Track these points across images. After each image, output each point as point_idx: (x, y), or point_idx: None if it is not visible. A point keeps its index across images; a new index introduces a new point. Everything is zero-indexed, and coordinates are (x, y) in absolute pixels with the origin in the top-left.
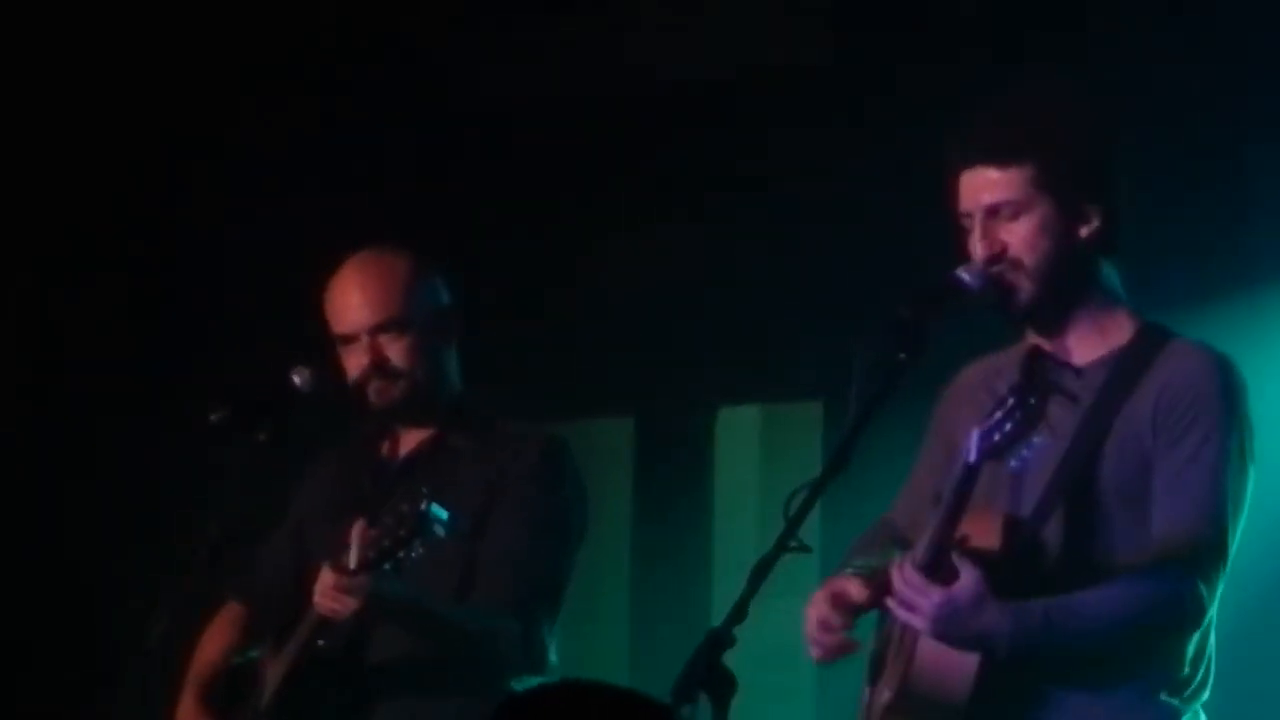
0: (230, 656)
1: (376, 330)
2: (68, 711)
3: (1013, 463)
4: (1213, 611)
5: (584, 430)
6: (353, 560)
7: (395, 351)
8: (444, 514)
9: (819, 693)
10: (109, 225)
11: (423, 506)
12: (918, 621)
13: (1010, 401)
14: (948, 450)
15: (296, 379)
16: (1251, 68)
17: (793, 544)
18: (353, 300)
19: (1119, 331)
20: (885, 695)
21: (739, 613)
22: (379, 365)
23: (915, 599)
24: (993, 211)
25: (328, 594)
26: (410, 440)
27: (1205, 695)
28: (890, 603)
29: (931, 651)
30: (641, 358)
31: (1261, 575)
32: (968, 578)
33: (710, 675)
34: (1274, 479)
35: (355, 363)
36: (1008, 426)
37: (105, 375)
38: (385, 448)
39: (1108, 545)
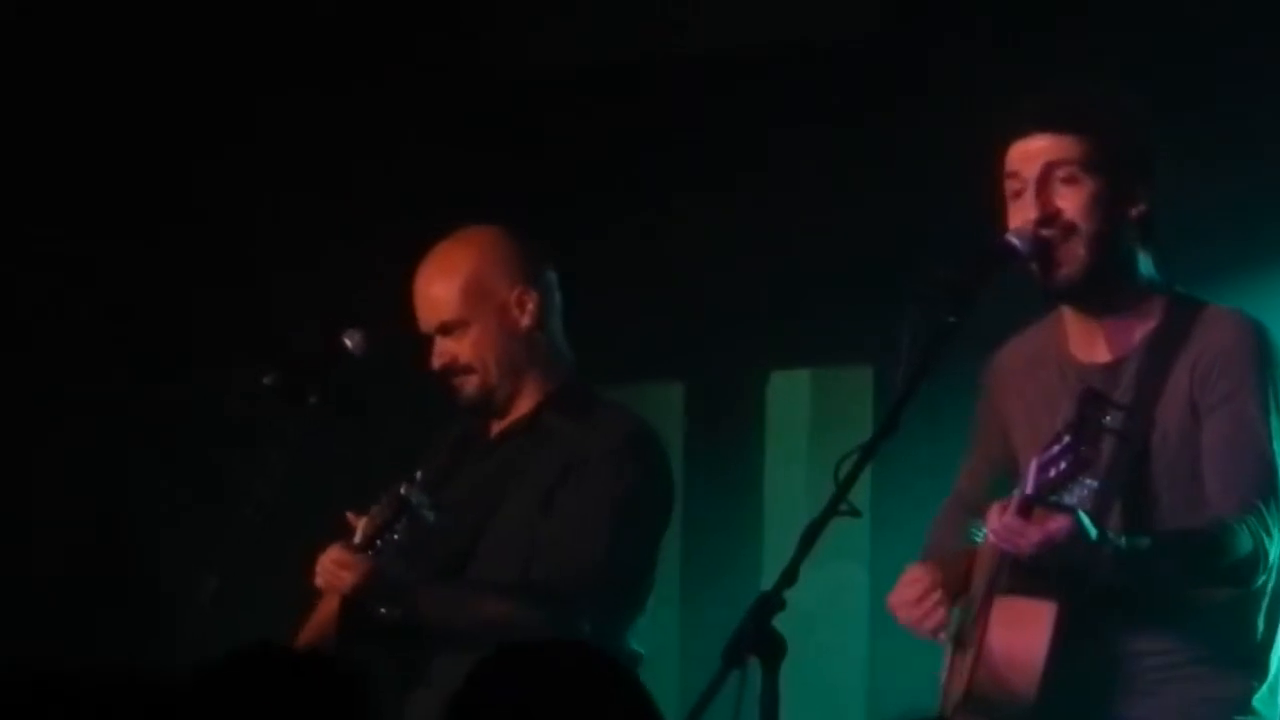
0: None
1: (440, 331)
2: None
3: (1071, 495)
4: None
5: (633, 395)
6: (357, 537)
7: (462, 349)
8: (426, 500)
9: (870, 654)
10: (164, 182)
11: (403, 491)
12: (1022, 551)
13: (1066, 440)
14: (1002, 428)
15: (348, 342)
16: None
17: (843, 508)
18: (420, 300)
19: (1150, 313)
20: (956, 693)
21: (789, 576)
22: (449, 364)
23: (1014, 537)
24: (1048, 173)
25: (327, 567)
26: (509, 417)
27: (1273, 669)
28: (989, 539)
29: (1000, 642)
30: (691, 322)
31: None
32: (1063, 516)
33: (760, 638)
34: None
35: (435, 357)
36: (1062, 465)
37: (158, 335)
38: (491, 423)
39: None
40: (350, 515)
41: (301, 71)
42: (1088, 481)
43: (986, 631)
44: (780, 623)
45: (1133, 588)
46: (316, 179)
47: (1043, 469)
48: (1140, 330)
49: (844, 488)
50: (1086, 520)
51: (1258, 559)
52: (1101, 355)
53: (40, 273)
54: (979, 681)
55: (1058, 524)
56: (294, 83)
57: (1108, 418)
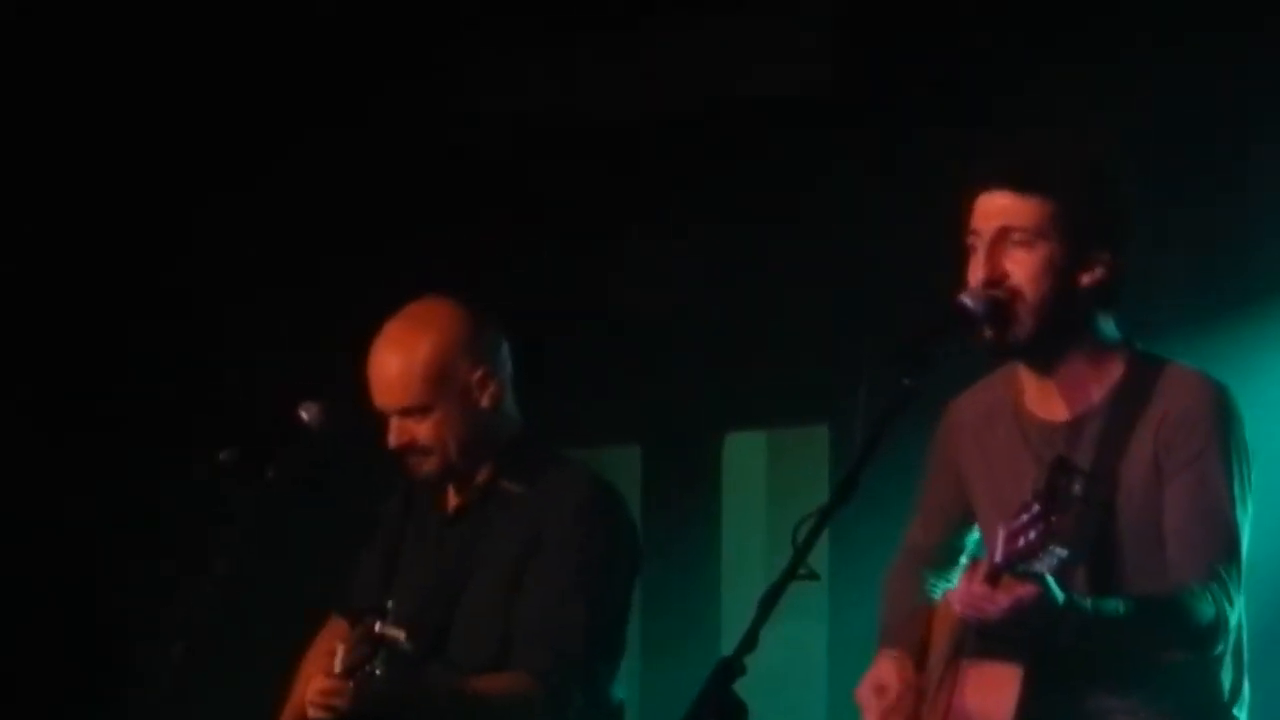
0: None
1: (401, 414)
2: None
3: (1041, 563)
4: (1238, 633)
5: (591, 459)
6: (337, 665)
7: (422, 432)
8: (400, 633)
9: (829, 713)
10: (125, 248)
11: (378, 629)
12: (990, 618)
13: (1036, 509)
14: (956, 478)
15: (305, 415)
16: (1254, 76)
17: (801, 572)
18: (378, 379)
19: (1111, 370)
20: None
21: (749, 641)
22: (408, 445)
23: (983, 604)
24: (1003, 235)
25: (315, 699)
26: (466, 485)
27: (1245, 707)
28: (956, 609)
29: (970, 708)
30: (646, 386)
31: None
32: (1030, 583)
33: (721, 705)
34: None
35: (393, 435)
36: (1031, 535)
37: (117, 404)
38: (445, 494)
39: (1130, 589)
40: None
41: (244, 147)
42: (1057, 550)
43: (954, 696)
44: (740, 686)
45: (1097, 651)
46: (273, 246)
47: (1011, 538)
48: (1100, 388)
49: (802, 551)
50: (1054, 586)
51: (1218, 625)
52: (1060, 413)
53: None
54: None
55: (1026, 591)
56: (242, 158)
57: (1076, 486)
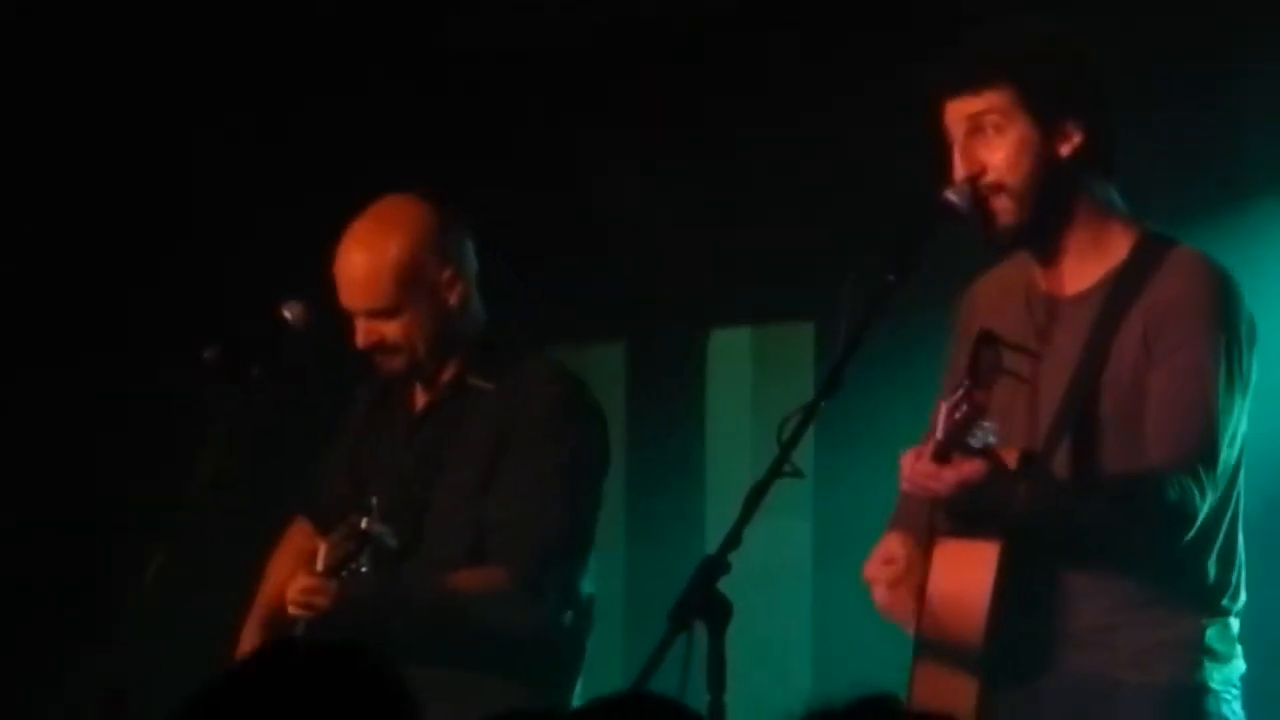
0: None
1: (369, 314)
2: (68, 651)
3: (975, 439)
4: (1229, 527)
5: (576, 356)
6: (319, 563)
7: (390, 331)
8: (386, 530)
9: (814, 611)
10: (109, 156)
11: (364, 525)
12: (936, 495)
13: (962, 388)
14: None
15: (288, 314)
16: None
17: (787, 469)
18: (345, 279)
19: (1116, 247)
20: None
21: (733, 539)
22: (376, 345)
23: (930, 479)
24: (974, 130)
25: (297, 597)
26: (434, 383)
27: (1238, 604)
28: (904, 487)
29: (943, 586)
30: (631, 282)
31: None
32: (978, 460)
33: (706, 602)
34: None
35: (358, 332)
36: (964, 409)
37: (96, 309)
38: (413, 390)
39: (1110, 471)
40: (305, 533)
41: (235, 44)
42: (985, 424)
43: (929, 576)
44: (724, 583)
45: (1054, 530)
46: (251, 147)
47: (949, 414)
48: (1102, 265)
49: (786, 448)
50: (1000, 461)
51: (1183, 513)
52: (1068, 288)
53: None
54: (924, 627)
55: (971, 467)
56: (228, 59)
57: (1002, 359)
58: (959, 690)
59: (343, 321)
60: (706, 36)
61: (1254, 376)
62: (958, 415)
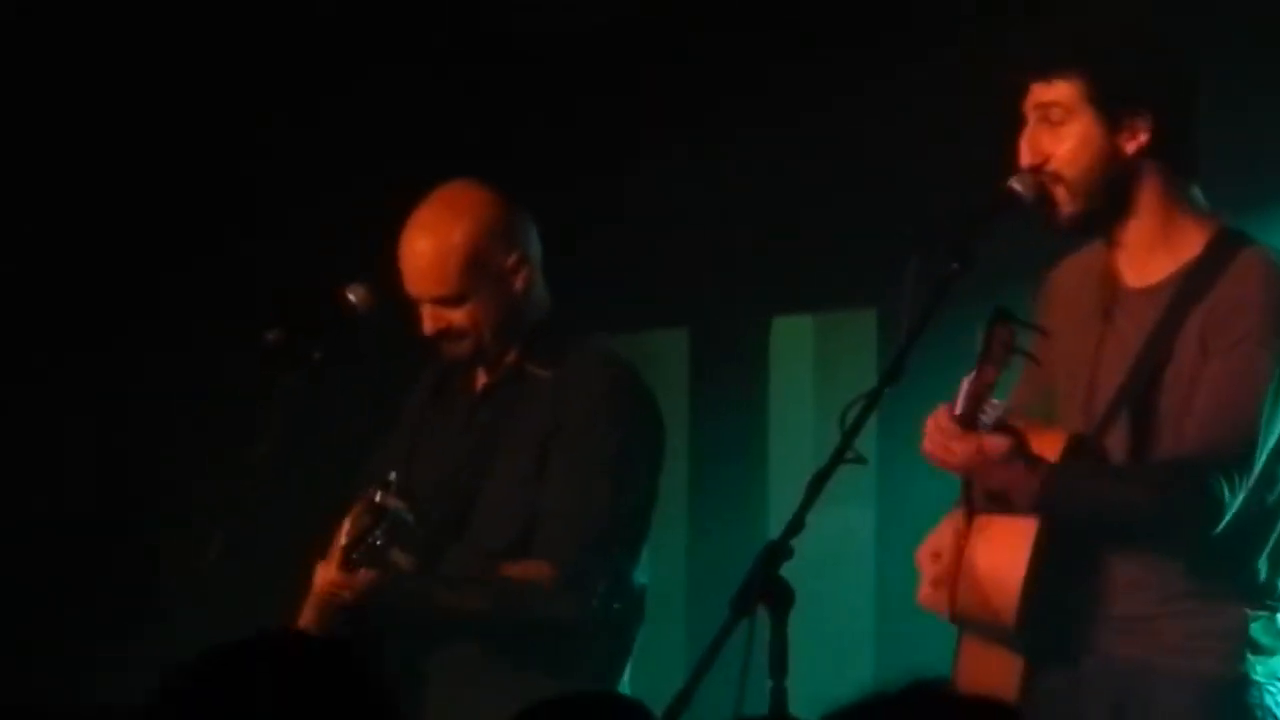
0: None
1: (436, 301)
2: (127, 635)
3: (983, 418)
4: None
5: (638, 342)
6: (342, 540)
7: (457, 318)
8: (401, 504)
9: (877, 600)
10: (164, 143)
11: (379, 499)
12: (944, 459)
13: (974, 371)
14: (1046, 340)
15: (352, 297)
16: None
17: (849, 455)
18: (411, 267)
19: (1190, 243)
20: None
21: (796, 525)
22: (443, 331)
23: (948, 443)
24: (1042, 117)
25: (321, 589)
26: (494, 367)
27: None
28: (925, 447)
29: (981, 560)
30: (694, 268)
31: None
32: (1000, 436)
33: (768, 588)
34: None
35: (425, 319)
36: (977, 385)
37: (160, 294)
38: (474, 373)
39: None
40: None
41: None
42: (994, 401)
43: (965, 552)
44: (787, 569)
45: (1074, 515)
46: (314, 135)
47: (968, 389)
48: (1173, 260)
49: (849, 435)
50: (1023, 444)
51: (1208, 507)
52: (1141, 279)
53: (35, 243)
54: (962, 599)
55: (989, 442)
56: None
57: (1015, 339)
58: (1003, 668)
59: (407, 308)
60: (773, 15)
61: None
62: (972, 391)
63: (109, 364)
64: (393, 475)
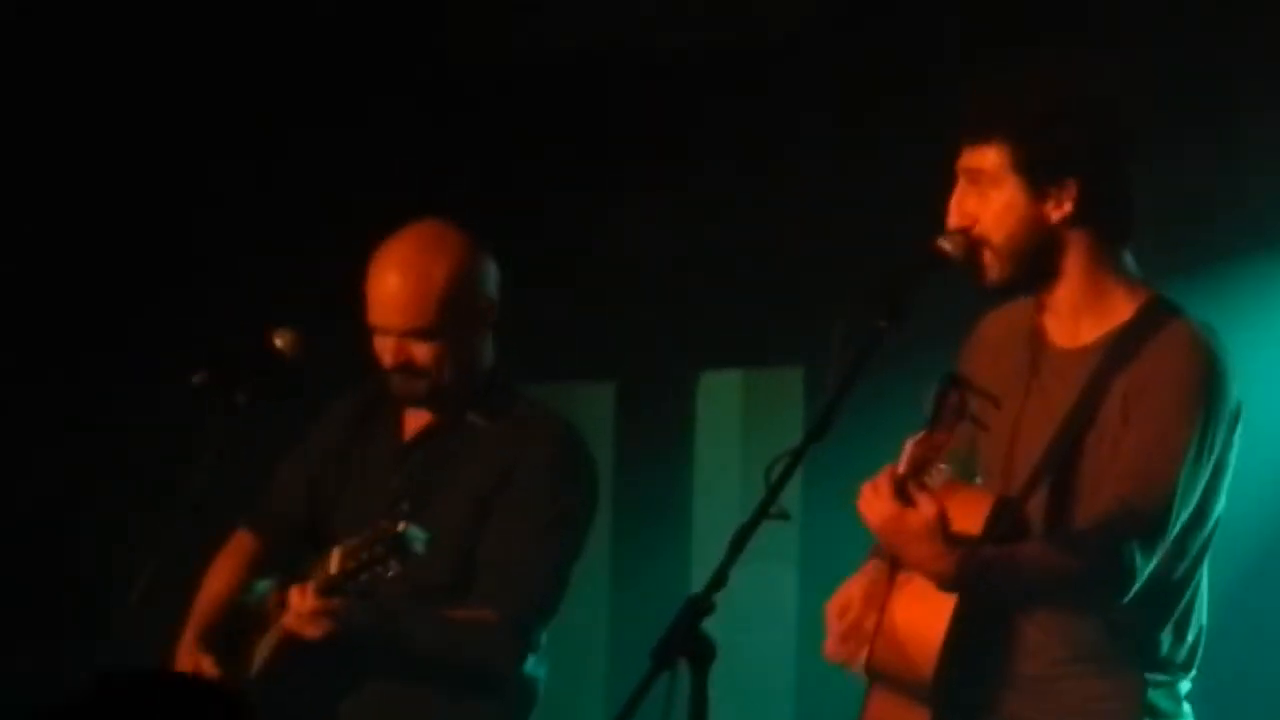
0: (236, 591)
1: (405, 334)
2: (54, 664)
3: (929, 480)
4: (1193, 593)
5: (565, 395)
6: (333, 566)
7: (422, 353)
8: (422, 535)
9: (799, 657)
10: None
11: (399, 529)
12: (868, 519)
13: (921, 432)
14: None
15: (278, 341)
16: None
17: (773, 511)
18: (385, 297)
19: (1119, 309)
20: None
21: (719, 580)
22: (405, 365)
23: (872, 500)
24: (971, 179)
25: (298, 617)
26: (434, 412)
27: (1192, 671)
28: (858, 502)
29: (903, 614)
30: (622, 322)
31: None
32: (926, 509)
33: (690, 642)
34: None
35: (384, 352)
36: (924, 448)
37: (87, 331)
38: (405, 411)
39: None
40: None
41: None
42: (940, 465)
43: (886, 608)
44: (709, 624)
45: (987, 596)
46: (244, 177)
47: (915, 448)
48: (1105, 324)
49: (774, 491)
50: (942, 522)
51: (1119, 576)
52: (1070, 340)
53: None
54: (880, 652)
55: (915, 518)
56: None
57: (965, 402)
58: None
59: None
60: (699, 76)
61: (1232, 457)
62: (918, 454)
63: (72, 395)
64: (405, 505)
